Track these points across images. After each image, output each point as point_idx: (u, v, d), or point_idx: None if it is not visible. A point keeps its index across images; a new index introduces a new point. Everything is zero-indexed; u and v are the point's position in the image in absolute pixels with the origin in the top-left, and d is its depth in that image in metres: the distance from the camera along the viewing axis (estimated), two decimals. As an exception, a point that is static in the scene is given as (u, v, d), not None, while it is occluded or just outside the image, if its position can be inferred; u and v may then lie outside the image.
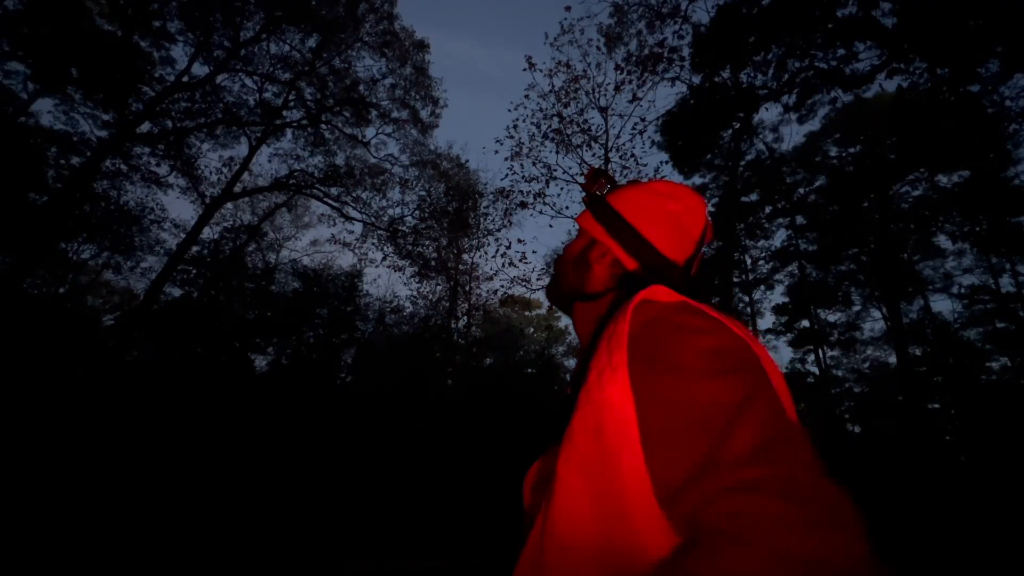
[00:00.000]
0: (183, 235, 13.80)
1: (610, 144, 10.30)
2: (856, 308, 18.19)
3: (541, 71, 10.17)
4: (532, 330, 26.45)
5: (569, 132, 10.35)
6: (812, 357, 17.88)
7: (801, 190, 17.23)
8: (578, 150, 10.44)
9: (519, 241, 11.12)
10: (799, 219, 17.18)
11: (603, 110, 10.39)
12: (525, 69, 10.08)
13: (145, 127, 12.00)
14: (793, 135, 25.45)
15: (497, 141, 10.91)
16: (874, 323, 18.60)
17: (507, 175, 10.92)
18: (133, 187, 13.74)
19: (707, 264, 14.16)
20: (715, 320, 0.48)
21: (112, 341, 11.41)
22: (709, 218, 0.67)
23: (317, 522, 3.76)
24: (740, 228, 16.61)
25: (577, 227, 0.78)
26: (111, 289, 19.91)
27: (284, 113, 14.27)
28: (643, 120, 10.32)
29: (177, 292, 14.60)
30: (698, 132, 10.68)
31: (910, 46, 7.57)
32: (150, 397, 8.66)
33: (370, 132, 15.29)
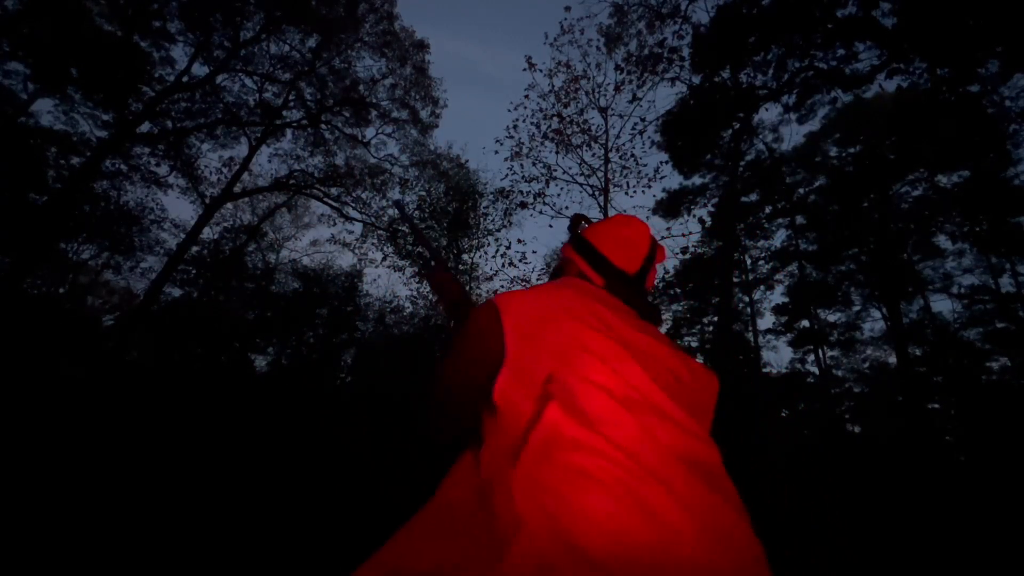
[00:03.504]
0: (183, 235, 13.82)
1: (610, 144, 10.28)
2: (856, 308, 18.17)
3: (541, 71, 10.12)
4: (532, 330, 26.39)
5: (569, 132, 10.32)
6: (812, 357, 17.87)
7: (801, 190, 17.22)
8: (578, 150, 10.41)
9: (519, 241, 11.08)
10: (799, 219, 17.16)
11: (603, 110, 10.37)
12: (525, 69, 10.06)
13: (145, 127, 12.01)
14: (793, 135, 25.41)
15: (497, 141, 10.87)
16: (874, 323, 18.62)
17: (507, 175, 10.89)
18: (133, 187, 13.74)
19: (706, 266, 14.16)
20: (519, 294, 0.69)
21: (112, 341, 11.41)
22: (655, 239, 0.89)
23: (317, 522, 3.76)
24: (740, 228, 16.59)
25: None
26: (111, 289, 19.90)
27: (284, 113, 14.26)
28: (643, 120, 10.27)
29: (177, 292, 14.61)
30: (698, 132, 10.67)
31: (910, 46, 7.57)
32: (150, 397, 8.66)
33: (370, 132, 15.31)
